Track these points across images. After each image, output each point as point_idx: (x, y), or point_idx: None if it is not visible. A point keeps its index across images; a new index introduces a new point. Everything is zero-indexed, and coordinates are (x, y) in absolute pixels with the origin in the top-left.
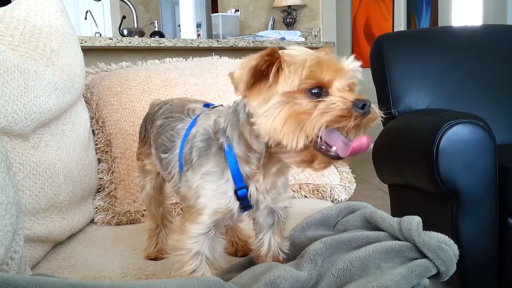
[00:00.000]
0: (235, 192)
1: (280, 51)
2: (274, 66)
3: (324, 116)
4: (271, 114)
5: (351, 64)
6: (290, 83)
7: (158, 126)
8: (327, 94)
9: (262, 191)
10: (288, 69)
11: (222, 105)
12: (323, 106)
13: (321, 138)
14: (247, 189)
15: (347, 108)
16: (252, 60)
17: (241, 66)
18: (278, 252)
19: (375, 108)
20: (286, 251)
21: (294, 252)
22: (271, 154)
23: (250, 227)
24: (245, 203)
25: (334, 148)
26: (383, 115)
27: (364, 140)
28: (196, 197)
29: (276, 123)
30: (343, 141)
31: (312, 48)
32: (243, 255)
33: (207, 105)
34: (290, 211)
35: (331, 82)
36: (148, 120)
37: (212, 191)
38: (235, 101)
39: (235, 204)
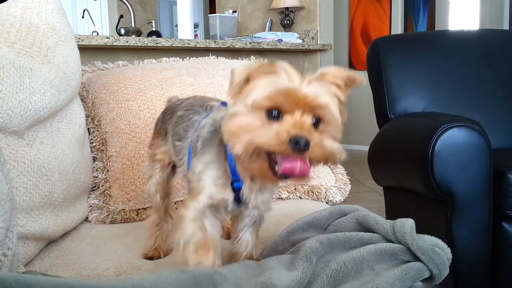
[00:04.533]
0: (231, 183)
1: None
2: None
3: (259, 138)
4: (230, 121)
5: (320, 98)
6: (253, 98)
7: (178, 116)
8: (282, 120)
9: (254, 191)
10: (256, 86)
11: None
12: (266, 129)
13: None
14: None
15: (282, 140)
16: (256, 63)
17: (244, 66)
18: (253, 252)
19: (326, 145)
20: (259, 250)
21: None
22: None
23: None
24: (238, 196)
25: (278, 167)
26: (339, 155)
27: (296, 165)
28: (197, 180)
29: (229, 129)
30: (285, 160)
31: (310, 51)
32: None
33: (224, 103)
34: (273, 211)
35: (288, 110)
36: (168, 111)
37: (211, 178)
38: None
39: (230, 195)
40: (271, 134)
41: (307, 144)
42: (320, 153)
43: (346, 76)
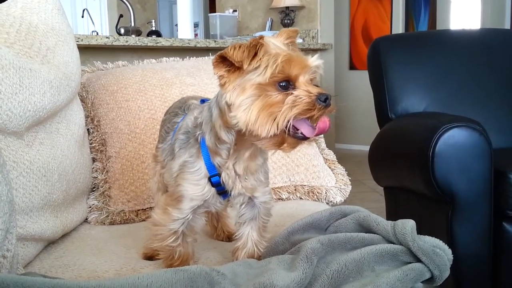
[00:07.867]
0: (209, 179)
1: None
2: (255, 55)
3: (292, 109)
4: (248, 107)
5: (316, 61)
6: (263, 74)
7: (163, 120)
8: (293, 87)
9: (235, 176)
10: (263, 60)
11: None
12: (291, 99)
13: (290, 125)
14: (220, 176)
15: (312, 101)
16: (247, 43)
17: (235, 46)
18: (254, 249)
19: None
20: (262, 249)
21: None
22: (242, 142)
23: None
24: (221, 189)
25: (300, 131)
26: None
27: (326, 122)
28: (176, 185)
29: (251, 115)
30: (309, 124)
31: (310, 50)
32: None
33: (203, 100)
34: (273, 212)
35: (297, 76)
36: (163, 118)
37: (188, 181)
38: (211, 100)
39: (209, 191)
40: (302, 101)
41: (330, 97)
42: (333, 106)
43: (294, 31)
